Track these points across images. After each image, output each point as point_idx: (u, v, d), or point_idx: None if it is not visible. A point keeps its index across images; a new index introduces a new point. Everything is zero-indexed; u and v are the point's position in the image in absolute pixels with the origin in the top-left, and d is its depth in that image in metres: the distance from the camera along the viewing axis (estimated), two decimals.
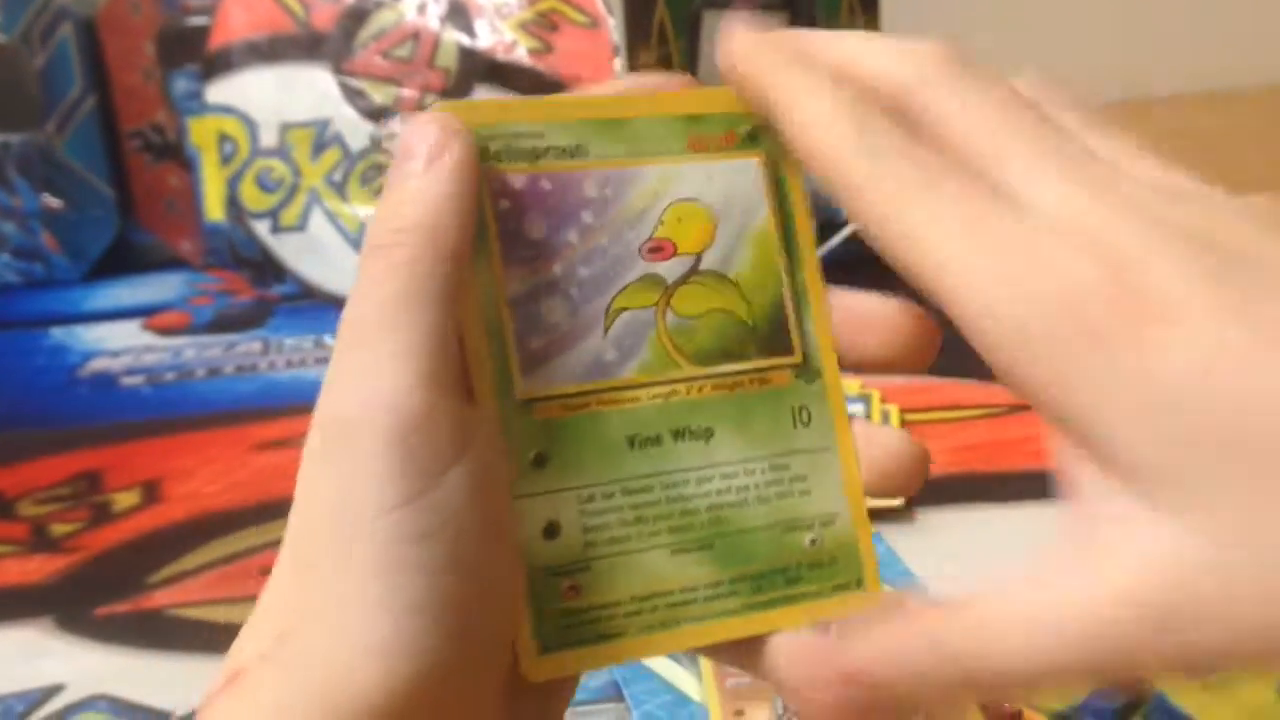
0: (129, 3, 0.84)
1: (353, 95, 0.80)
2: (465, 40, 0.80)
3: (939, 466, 0.60)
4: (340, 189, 0.81)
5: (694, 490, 0.28)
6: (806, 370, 0.29)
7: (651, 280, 0.28)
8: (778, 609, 0.28)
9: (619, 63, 0.80)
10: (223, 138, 0.82)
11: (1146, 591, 0.22)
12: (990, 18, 1.12)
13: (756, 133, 0.30)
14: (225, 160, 0.82)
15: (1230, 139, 1.03)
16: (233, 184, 0.82)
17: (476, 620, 0.25)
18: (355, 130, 0.80)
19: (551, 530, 0.27)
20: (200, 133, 0.83)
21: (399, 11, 0.80)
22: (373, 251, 0.25)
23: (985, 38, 1.12)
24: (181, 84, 0.84)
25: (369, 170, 0.80)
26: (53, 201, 0.85)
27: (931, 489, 0.57)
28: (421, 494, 0.24)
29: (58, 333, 0.80)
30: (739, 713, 0.43)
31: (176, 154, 0.86)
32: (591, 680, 0.46)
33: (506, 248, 0.27)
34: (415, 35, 0.80)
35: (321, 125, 0.81)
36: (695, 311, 0.28)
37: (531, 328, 0.27)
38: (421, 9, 0.80)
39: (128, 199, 0.88)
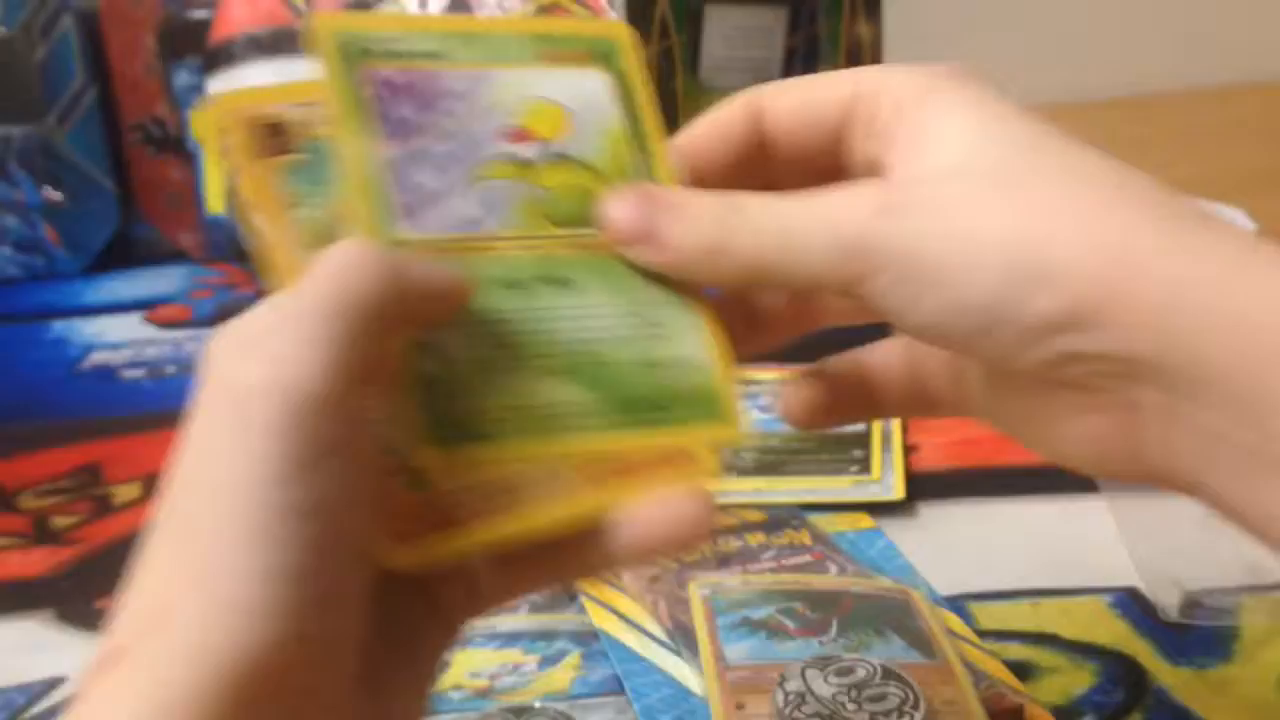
0: None
1: None
2: None
3: (941, 460, 0.60)
4: None
5: (559, 326, 0.31)
6: None
7: (514, 159, 0.32)
8: (643, 430, 0.31)
9: None
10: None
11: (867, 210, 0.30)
12: (993, 16, 1.12)
13: (609, 55, 0.34)
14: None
15: (1232, 136, 1.03)
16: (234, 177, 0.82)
17: (340, 591, 0.26)
18: None
19: (426, 346, 0.29)
20: (202, 125, 0.82)
21: (401, 5, 0.80)
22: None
23: (987, 36, 1.12)
24: (183, 77, 0.84)
25: None
26: (54, 194, 0.85)
27: (933, 483, 0.58)
28: (311, 471, 0.26)
29: (58, 326, 0.80)
30: (740, 705, 0.43)
31: (178, 147, 0.86)
32: (592, 676, 0.46)
33: (381, 123, 0.31)
34: None
35: None
36: (556, 185, 0.32)
37: (406, 186, 0.31)
38: (423, 3, 0.80)
39: (129, 192, 0.88)
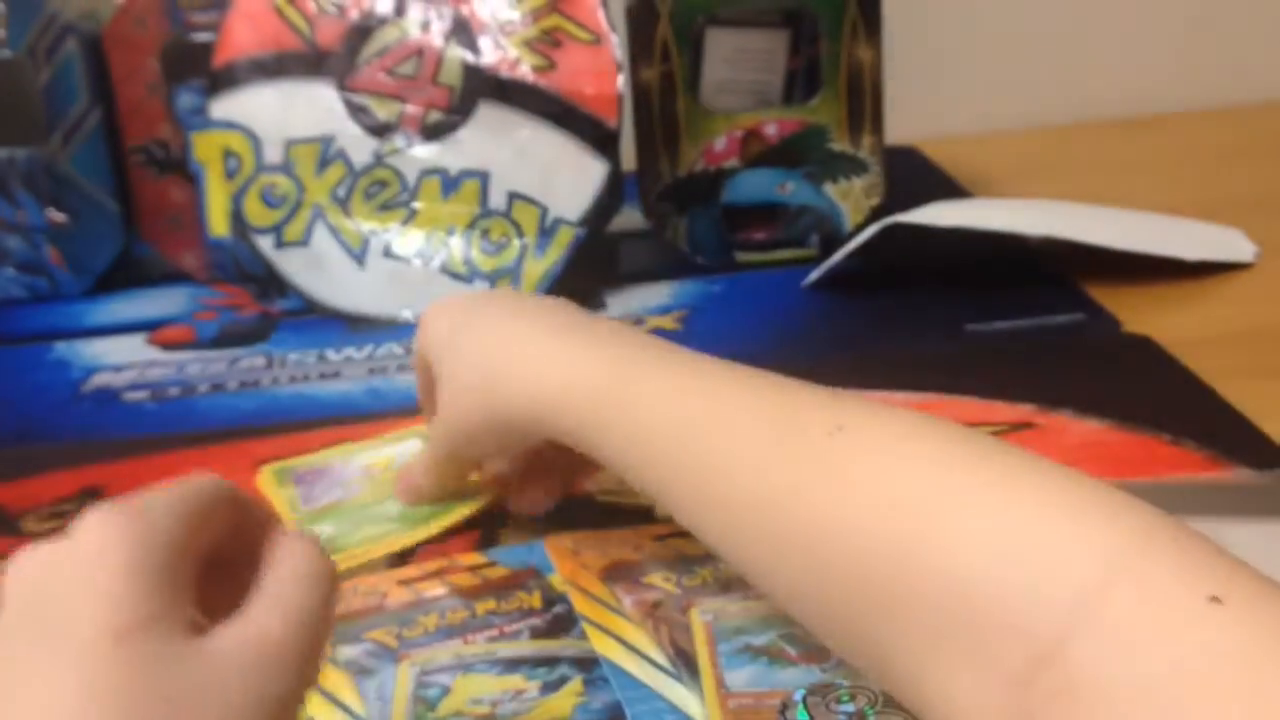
0: (134, 19, 0.85)
1: (356, 111, 0.81)
2: (469, 57, 0.80)
3: None
4: (344, 204, 0.81)
5: (384, 508, 0.59)
6: None
7: (369, 478, 0.62)
8: (429, 525, 0.57)
9: (622, 79, 0.80)
10: (227, 153, 0.82)
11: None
12: (992, 38, 1.13)
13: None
14: (229, 175, 0.82)
15: (1233, 157, 1.03)
16: (237, 199, 0.82)
17: None
18: (359, 146, 0.81)
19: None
20: (204, 148, 0.83)
21: (403, 28, 0.80)
22: None
23: (986, 58, 1.12)
24: (186, 99, 0.84)
25: (372, 186, 0.81)
26: (57, 216, 0.85)
27: None
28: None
29: (61, 347, 0.80)
30: None
31: (181, 169, 0.86)
32: (594, 703, 0.46)
33: (301, 500, 0.60)
34: (419, 52, 0.80)
35: (326, 141, 0.81)
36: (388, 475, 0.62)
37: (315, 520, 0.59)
38: (425, 26, 0.80)
39: (132, 214, 0.88)
